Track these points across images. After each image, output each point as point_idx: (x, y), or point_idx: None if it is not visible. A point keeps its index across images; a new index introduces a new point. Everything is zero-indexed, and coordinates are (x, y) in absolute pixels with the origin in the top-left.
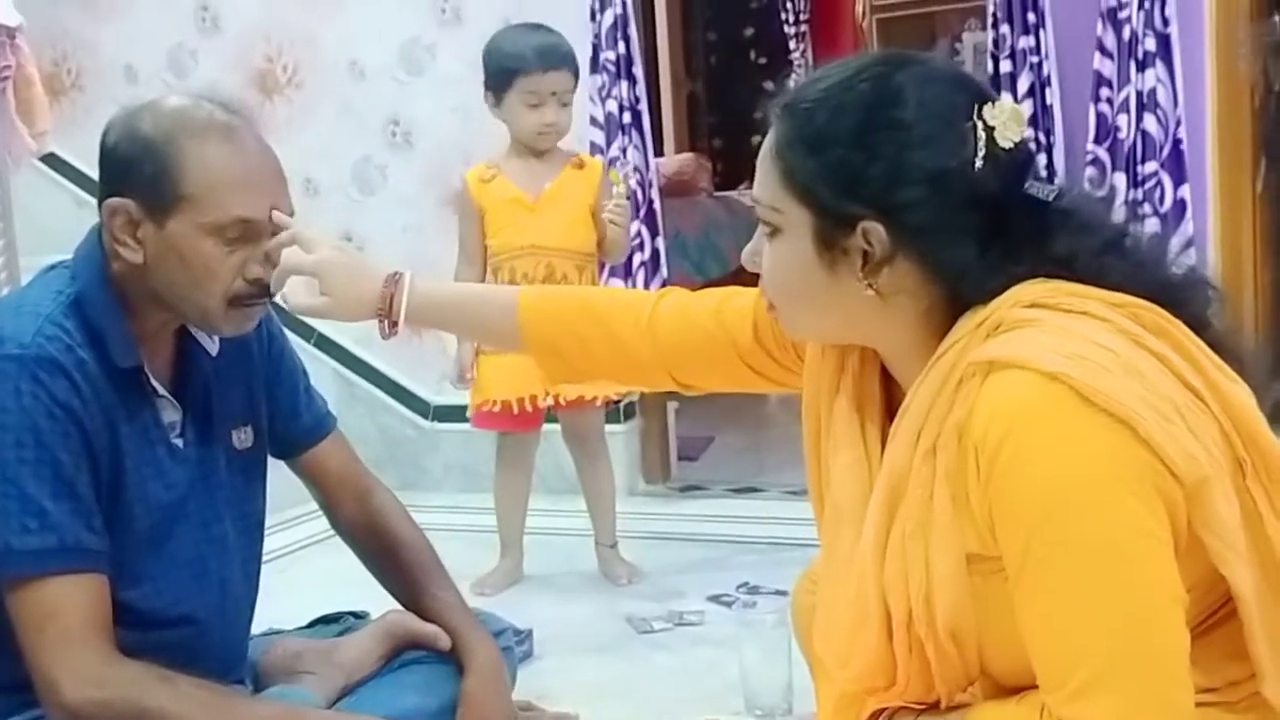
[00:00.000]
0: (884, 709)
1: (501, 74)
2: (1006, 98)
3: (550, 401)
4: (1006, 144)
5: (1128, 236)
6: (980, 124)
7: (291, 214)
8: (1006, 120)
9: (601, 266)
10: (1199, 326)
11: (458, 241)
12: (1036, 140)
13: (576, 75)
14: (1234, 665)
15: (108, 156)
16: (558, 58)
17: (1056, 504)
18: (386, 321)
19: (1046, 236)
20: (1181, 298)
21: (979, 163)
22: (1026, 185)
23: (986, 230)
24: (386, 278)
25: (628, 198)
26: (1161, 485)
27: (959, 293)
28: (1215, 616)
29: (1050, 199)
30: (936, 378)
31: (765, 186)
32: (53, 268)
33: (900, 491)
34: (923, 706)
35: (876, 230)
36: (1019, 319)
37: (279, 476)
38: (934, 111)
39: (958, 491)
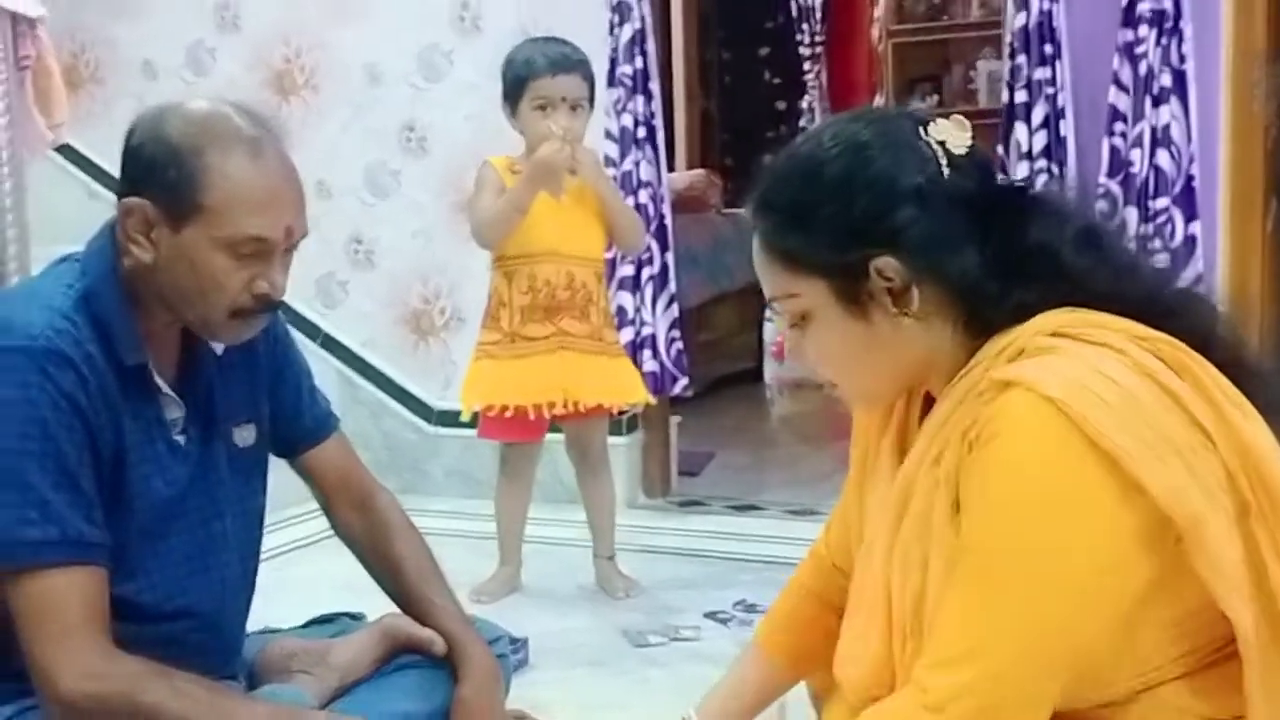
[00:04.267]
0: None
1: (515, 82)
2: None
3: (567, 409)
4: (961, 150)
5: (1106, 233)
6: (932, 140)
7: (305, 234)
8: (952, 131)
9: (611, 273)
10: (1209, 348)
11: (473, 211)
12: (1049, 171)
13: (591, 83)
14: (1241, 698)
15: (131, 155)
16: (569, 64)
17: (1013, 501)
18: None
19: (1026, 224)
20: (1181, 316)
21: (946, 171)
22: (997, 180)
23: (978, 230)
24: None
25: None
26: (1139, 526)
27: (979, 308)
28: (1230, 647)
29: (1021, 185)
30: (957, 395)
31: (772, 282)
32: (63, 260)
33: (908, 498)
34: None
35: (888, 262)
36: (1040, 346)
37: (280, 475)
38: (891, 142)
39: (955, 495)
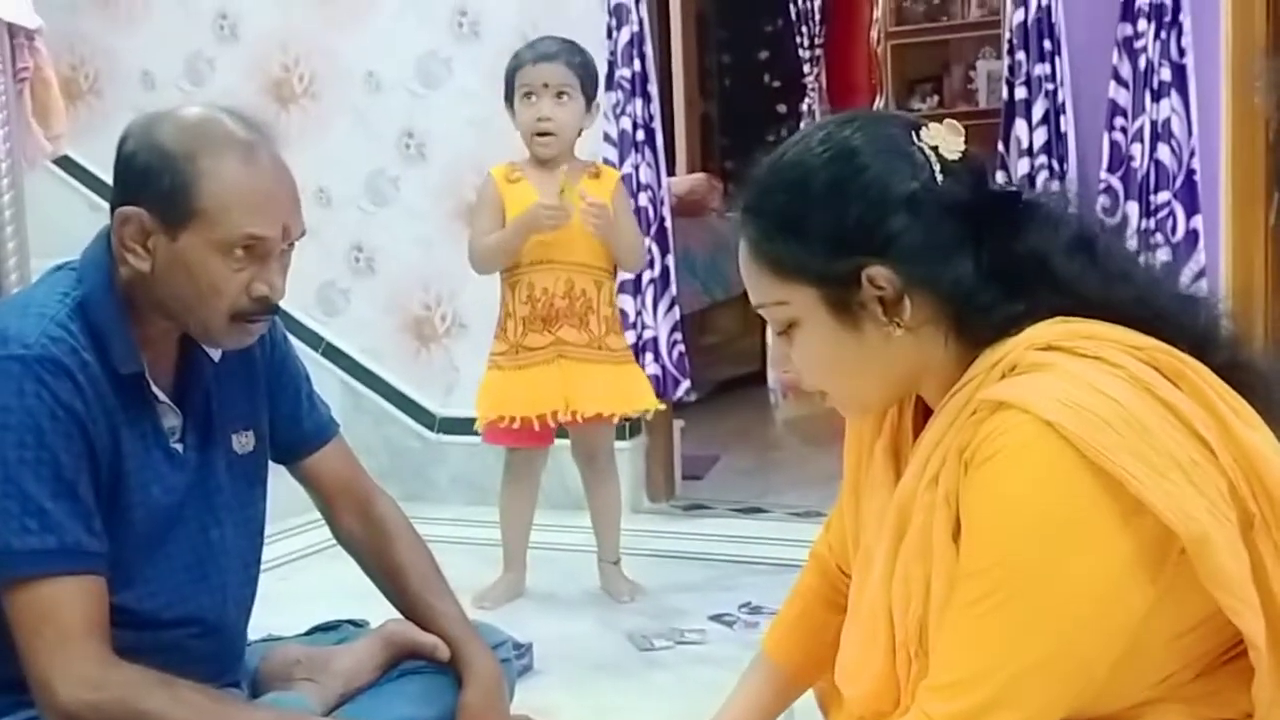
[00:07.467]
0: None
1: (507, 78)
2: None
3: (568, 417)
4: (954, 155)
5: (1099, 237)
6: (924, 145)
7: (303, 233)
8: (945, 136)
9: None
10: (1206, 350)
11: (472, 234)
12: (1050, 167)
13: (581, 73)
14: (1249, 698)
15: (124, 164)
16: (551, 52)
17: (1015, 527)
18: None
19: (1019, 230)
20: (1173, 319)
21: (940, 177)
22: (991, 186)
23: (971, 238)
24: None
25: (583, 198)
26: (1143, 539)
27: (971, 319)
28: (1239, 648)
29: (1015, 190)
30: (950, 413)
31: (760, 289)
32: (59, 268)
33: (907, 517)
34: None
35: (880, 271)
36: (1033, 362)
37: (281, 485)
38: (883, 148)
39: (955, 516)
